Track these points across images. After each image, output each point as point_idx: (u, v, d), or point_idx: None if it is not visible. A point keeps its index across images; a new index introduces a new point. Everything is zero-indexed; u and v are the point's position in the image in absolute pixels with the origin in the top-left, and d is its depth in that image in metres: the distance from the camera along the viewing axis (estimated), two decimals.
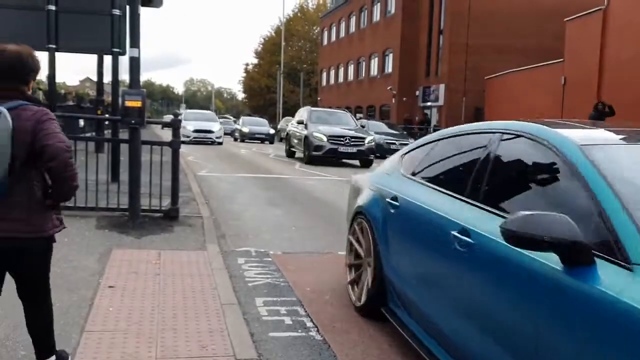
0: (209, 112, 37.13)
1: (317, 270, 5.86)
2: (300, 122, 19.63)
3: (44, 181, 2.88)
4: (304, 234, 7.59)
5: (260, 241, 7.00)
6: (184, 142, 22.59)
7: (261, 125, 35.02)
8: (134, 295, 4.55)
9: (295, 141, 20.13)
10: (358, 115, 43.56)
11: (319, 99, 57.02)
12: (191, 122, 27.43)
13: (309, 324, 4.35)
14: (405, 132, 27.15)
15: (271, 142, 32.94)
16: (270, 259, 6.16)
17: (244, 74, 76.88)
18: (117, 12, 8.13)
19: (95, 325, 3.92)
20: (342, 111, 22.83)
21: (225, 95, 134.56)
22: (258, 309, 4.62)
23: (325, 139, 17.98)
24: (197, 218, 7.79)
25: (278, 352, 3.83)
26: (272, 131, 34.62)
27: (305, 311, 4.62)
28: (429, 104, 36.43)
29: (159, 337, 3.77)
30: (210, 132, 27.37)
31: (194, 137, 26.45)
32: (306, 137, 18.56)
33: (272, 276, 5.55)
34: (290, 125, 21.83)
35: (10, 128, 2.70)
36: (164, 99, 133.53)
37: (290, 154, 21.11)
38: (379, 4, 43.48)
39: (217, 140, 27.38)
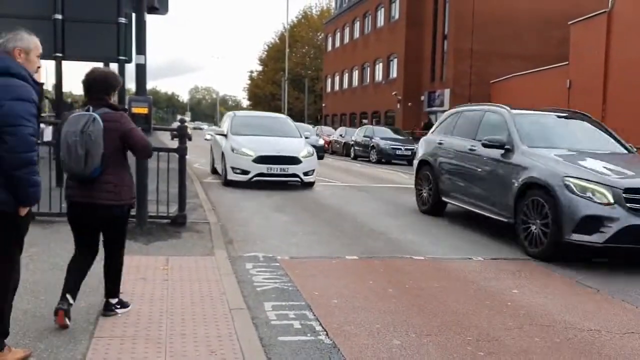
0: (279, 115, 17.55)
1: (324, 274, 5.86)
2: (499, 145, 8.14)
3: (126, 164, 4.14)
4: (311, 240, 7.59)
5: (268, 246, 7.00)
6: (228, 183, 12.87)
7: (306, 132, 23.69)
8: (142, 301, 4.56)
9: (462, 184, 9.07)
10: (364, 121, 43.68)
11: (323, 105, 57.06)
12: (247, 139, 13.38)
13: (318, 328, 4.34)
14: (410, 138, 27.06)
15: (320, 157, 20.01)
16: (278, 264, 6.16)
17: (249, 81, 77.19)
18: (123, 20, 8.15)
19: (104, 331, 3.92)
20: (581, 115, 9.61)
21: (230, 102, 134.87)
22: (267, 313, 4.62)
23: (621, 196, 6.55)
24: (205, 224, 7.80)
25: (288, 356, 3.82)
26: (321, 141, 24.52)
27: (314, 315, 4.62)
28: (434, 108, 36.38)
29: (168, 343, 3.77)
30: (292, 160, 12.95)
31: (260, 173, 12.73)
32: (554, 192, 6.86)
33: (280, 281, 5.55)
34: (439, 141, 9.98)
35: (102, 128, 3.84)
36: (169, 107, 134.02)
37: (437, 208, 10.02)
38: (382, 9, 43.51)
39: (307, 178, 13.21)
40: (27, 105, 3.18)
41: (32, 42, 3.47)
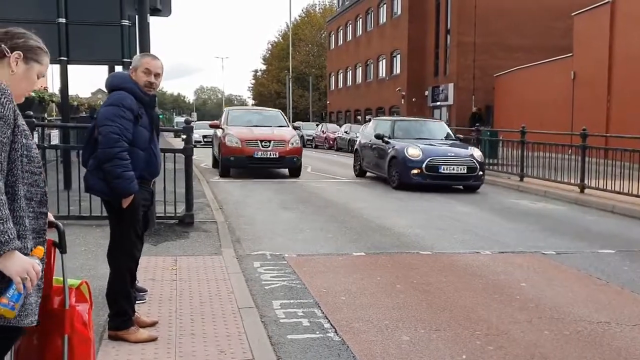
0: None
1: (332, 271, 5.87)
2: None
3: None
4: (318, 236, 7.59)
5: (275, 244, 7.01)
6: None
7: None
8: (151, 302, 4.58)
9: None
10: (367, 117, 43.62)
11: (328, 102, 57.04)
12: None
13: (327, 325, 4.35)
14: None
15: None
16: (285, 262, 6.17)
17: (253, 81, 77.23)
18: (126, 22, 8.18)
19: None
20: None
21: (235, 102, 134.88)
22: (275, 311, 4.63)
23: None
24: (212, 223, 7.82)
25: (297, 354, 3.83)
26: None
27: (323, 312, 4.62)
28: (438, 103, 36.33)
29: (177, 343, 3.79)
30: None
31: None
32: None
33: (288, 278, 5.56)
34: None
35: None
36: (175, 107, 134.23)
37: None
38: (385, 5, 43.43)
39: None
40: (115, 109, 3.61)
41: (137, 60, 3.90)
